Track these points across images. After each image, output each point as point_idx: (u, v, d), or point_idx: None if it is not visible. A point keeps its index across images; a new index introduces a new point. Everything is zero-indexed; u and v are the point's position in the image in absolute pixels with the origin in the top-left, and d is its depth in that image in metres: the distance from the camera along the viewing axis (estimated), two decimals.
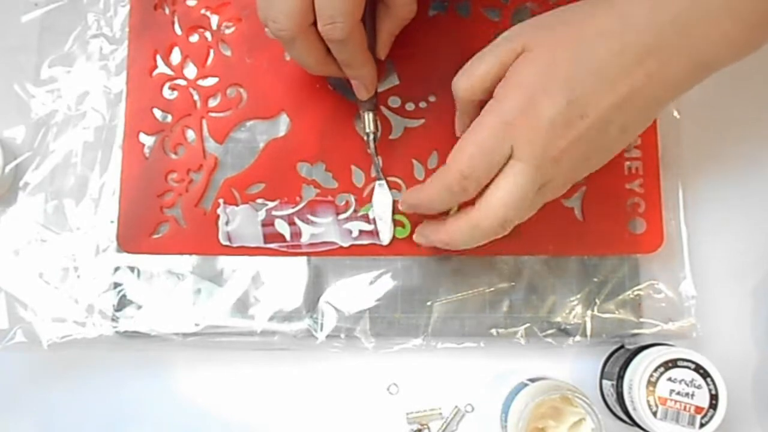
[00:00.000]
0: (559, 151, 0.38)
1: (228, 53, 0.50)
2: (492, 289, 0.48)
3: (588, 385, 0.48)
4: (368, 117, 0.47)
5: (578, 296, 0.48)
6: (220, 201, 0.48)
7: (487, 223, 0.40)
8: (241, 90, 0.49)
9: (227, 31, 0.50)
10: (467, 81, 0.41)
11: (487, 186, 0.40)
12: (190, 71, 0.50)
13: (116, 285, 0.47)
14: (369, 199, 0.48)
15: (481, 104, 0.41)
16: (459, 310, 0.48)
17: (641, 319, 0.47)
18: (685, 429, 0.43)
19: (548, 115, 0.38)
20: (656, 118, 0.40)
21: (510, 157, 0.39)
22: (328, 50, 0.42)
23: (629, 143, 0.42)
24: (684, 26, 0.37)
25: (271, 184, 0.48)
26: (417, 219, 0.46)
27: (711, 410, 0.43)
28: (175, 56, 0.50)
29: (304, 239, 0.48)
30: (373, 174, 0.48)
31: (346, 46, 0.41)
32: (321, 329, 0.47)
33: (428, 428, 0.48)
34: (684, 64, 0.37)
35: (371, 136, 0.47)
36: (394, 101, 0.49)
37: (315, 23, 0.40)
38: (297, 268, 0.48)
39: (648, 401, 0.43)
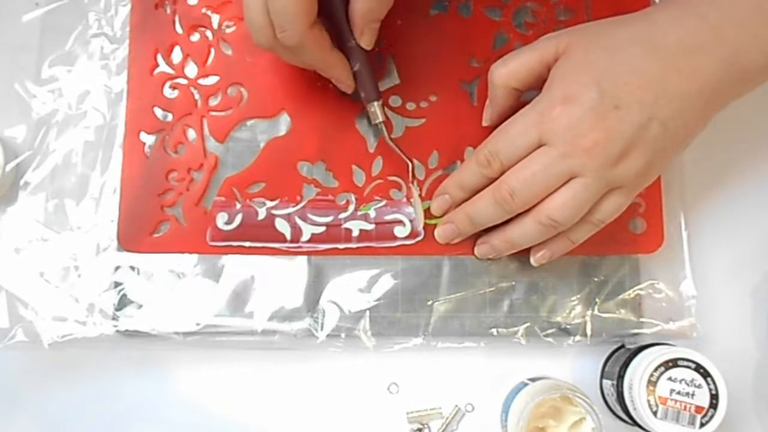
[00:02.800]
0: (592, 142, 0.39)
1: (229, 52, 0.50)
2: (492, 288, 0.48)
3: (588, 384, 0.48)
4: (372, 108, 0.46)
5: (578, 296, 0.48)
6: (221, 200, 0.48)
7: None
8: (242, 89, 0.49)
9: (228, 30, 0.50)
10: (504, 67, 0.44)
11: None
12: (191, 70, 0.50)
13: (117, 284, 0.47)
14: (369, 198, 0.48)
15: (512, 95, 0.44)
16: (459, 309, 0.48)
17: (641, 319, 0.48)
18: (685, 429, 0.43)
19: (580, 105, 0.39)
20: (700, 115, 0.40)
21: (540, 144, 0.41)
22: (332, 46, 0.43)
23: (681, 144, 0.41)
24: (713, 28, 0.38)
25: (272, 183, 0.48)
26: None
27: (711, 410, 0.43)
28: (176, 55, 0.50)
29: (305, 238, 0.48)
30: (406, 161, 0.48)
31: (303, 51, 0.41)
32: (321, 328, 0.47)
33: (428, 428, 0.48)
34: (715, 63, 0.38)
35: (381, 126, 0.46)
36: (395, 101, 0.49)
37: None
38: (297, 268, 0.48)
39: (648, 401, 0.43)
